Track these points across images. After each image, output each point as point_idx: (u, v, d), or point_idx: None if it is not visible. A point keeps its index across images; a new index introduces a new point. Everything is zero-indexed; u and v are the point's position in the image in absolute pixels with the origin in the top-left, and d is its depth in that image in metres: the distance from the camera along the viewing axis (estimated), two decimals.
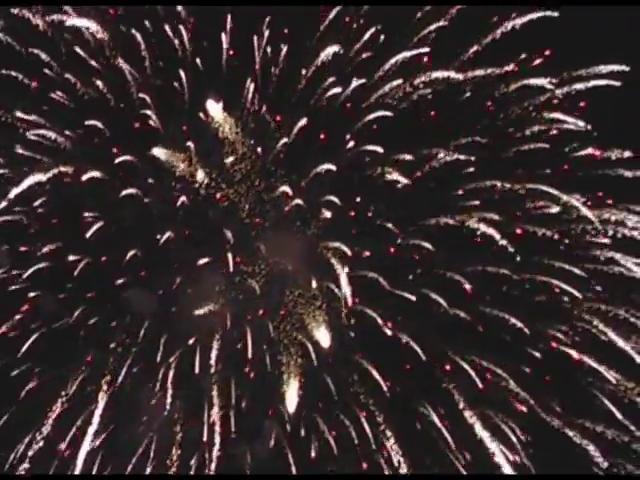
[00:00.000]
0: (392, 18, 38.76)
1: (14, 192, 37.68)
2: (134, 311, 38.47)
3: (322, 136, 38.50)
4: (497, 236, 37.82)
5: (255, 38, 38.85)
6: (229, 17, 39.01)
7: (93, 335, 38.81)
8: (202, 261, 38.42)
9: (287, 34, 39.05)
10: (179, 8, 39.51)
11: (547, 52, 38.86)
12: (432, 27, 39.51)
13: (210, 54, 39.32)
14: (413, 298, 37.85)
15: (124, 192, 38.63)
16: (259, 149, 38.81)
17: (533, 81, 39.06)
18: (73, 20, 38.83)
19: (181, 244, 38.97)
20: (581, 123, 39.22)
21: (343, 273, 37.71)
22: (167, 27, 39.61)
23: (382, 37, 38.81)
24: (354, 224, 37.93)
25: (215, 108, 38.34)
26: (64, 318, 38.74)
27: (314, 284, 38.06)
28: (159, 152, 38.66)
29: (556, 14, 38.73)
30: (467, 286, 37.84)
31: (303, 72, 38.47)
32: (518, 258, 38.33)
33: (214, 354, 38.18)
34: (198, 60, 39.30)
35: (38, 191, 38.69)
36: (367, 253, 37.80)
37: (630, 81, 38.26)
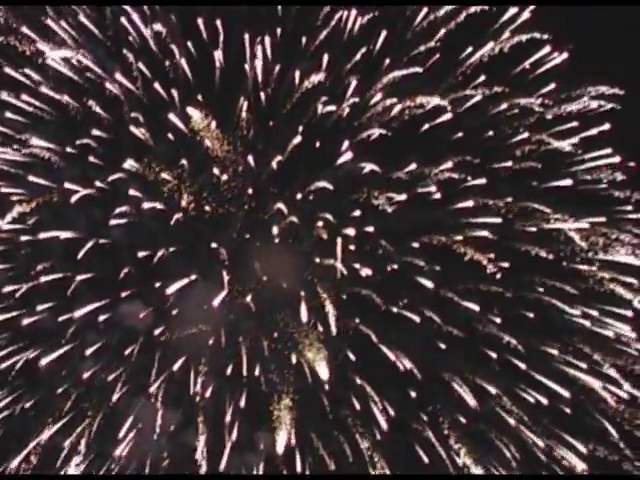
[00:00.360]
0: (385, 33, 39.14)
1: None
2: (128, 328, 38.20)
3: (316, 153, 38.51)
4: (484, 261, 38.16)
5: (247, 57, 38.82)
6: (221, 36, 39.05)
7: (86, 351, 38.48)
8: (195, 278, 38.26)
9: (279, 53, 39.15)
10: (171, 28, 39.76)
11: (538, 71, 39.56)
12: (422, 48, 40.08)
13: (203, 72, 39.27)
14: (417, 319, 38.03)
15: (117, 210, 38.57)
16: (252, 166, 38.70)
17: (524, 101, 39.61)
18: (55, 52, 38.96)
19: (174, 261, 38.73)
20: (567, 147, 39.67)
21: (328, 300, 37.82)
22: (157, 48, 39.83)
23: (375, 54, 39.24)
24: (350, 241, 37.76)
25: (196, 115, 38.45)
26: (56, 336, 38.42)
27: (303, 309, 37.80)
28: (131, 165, 38.65)
29: (546, 36, 39.44)
30: (475, 307, 37.85)
31: (295, 88, 38.58)
32: (509, 294, 38.68)
33: (204, 374, 38.22)
34: (191, 78, 39.24)
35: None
36: (364, 270, 37.67)
37: (623, 102, 38.92)
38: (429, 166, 38.33)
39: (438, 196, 38.33)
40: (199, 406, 38.20)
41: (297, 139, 37.82)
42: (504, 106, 39.49)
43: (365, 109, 38.84)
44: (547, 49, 39.56)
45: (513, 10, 39.40)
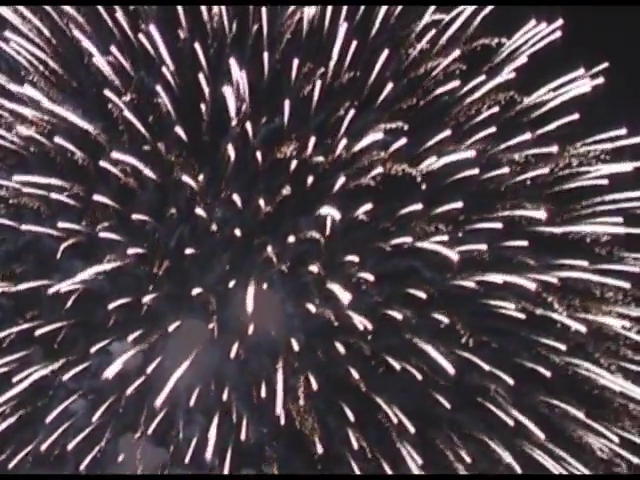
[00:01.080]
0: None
1: None
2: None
3: (304, 201, 38.65)
4: (458, 326, 38.48)
5: (233, 108, 39.02)
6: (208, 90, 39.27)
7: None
8: (180, 324, 37.90)
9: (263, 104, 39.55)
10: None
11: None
12: (404, 105, 40.86)
13: (190, 121, 39.42)
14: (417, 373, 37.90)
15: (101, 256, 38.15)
16: (240, 210, 38.76)
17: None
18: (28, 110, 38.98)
19: (159, 306, 38.47)
20: (541, 213, 40.14)
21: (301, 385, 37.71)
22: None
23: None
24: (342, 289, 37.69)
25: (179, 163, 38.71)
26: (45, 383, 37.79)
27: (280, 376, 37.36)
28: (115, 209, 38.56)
29: (529, 97, 40.60)
30: (483, 364, 37.96)
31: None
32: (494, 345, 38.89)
33: (191, 420, 38.00)
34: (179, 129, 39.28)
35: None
36: (361, 320, 37.54)
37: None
38: (415, 217, 38.83)
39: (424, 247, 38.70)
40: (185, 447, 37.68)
41: (286, 190, 38.08)
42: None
43: (352, 161, 39.26)
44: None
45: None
